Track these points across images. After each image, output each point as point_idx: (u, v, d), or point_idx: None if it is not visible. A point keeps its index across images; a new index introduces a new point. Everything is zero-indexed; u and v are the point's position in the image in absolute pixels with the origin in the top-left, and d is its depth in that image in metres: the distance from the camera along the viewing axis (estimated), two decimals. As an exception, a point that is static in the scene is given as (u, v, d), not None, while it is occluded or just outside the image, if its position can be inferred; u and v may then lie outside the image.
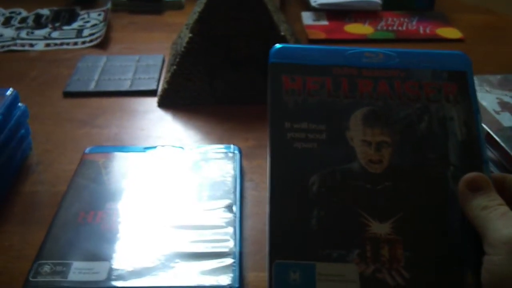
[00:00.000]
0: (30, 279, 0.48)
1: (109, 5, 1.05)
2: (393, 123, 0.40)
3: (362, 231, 0.38)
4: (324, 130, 0.40)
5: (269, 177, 0.39)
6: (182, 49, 0.78)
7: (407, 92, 0.41)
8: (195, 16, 0.79)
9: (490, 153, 0.63)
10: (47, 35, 0.99)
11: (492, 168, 0.61)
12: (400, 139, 0.40)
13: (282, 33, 0.78)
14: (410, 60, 0.42)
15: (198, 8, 0.81)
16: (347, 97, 0.41)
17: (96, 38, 0.97)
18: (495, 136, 0.63)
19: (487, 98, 0.71)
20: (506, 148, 0.61)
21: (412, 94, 0.41)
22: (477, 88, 0.73)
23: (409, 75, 0.42)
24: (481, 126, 0.40)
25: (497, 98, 0.71)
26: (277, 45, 0.43)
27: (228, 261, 0.49)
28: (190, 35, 0.78)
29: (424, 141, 0.40)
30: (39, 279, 0.48)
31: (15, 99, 0.63)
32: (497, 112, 0.67)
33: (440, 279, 0.36)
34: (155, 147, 0.65)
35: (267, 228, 0.38)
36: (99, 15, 1.06)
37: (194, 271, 0.48)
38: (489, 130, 0.64)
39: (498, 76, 0.76)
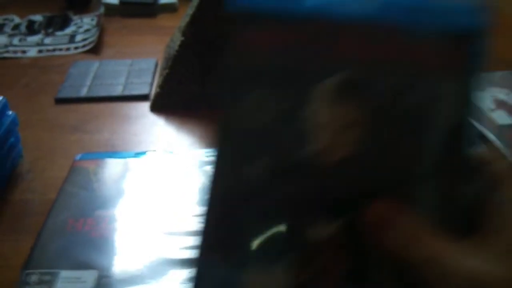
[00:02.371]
0: (18, 289, 0.47)
1: (102, 10, 1.05)
2: (367, 98, 0.31)
3: (302, 233, 0.31)
4: (280, 104, 0.30)
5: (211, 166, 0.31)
6: (175, 52, 0.77)
7: (393, 58, 0.31)
8: (187, 19, 0.79)
9: (485, 152, 0.62)
10: (39, 41, 0.98)
11: (487, 167, 0.61)
12: (371, 119, 0.31)
13: (274, 34, 0.77)
14: (407, 13, 0.31)
15: (190, 11, 0.80)
16: (317, 60, 0.31)
17: (89, 43, 0.96)
18: (489, 135, 0.62)
19: (482, 95, 0.70)
20: (500, 147, 0.60)
21: (399, 61, 0.31)
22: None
23: (400, 33, 0.31)
24: (476, 105, 0.31)
25: (492, 96, 0.70)
26: None
27: (219, 267, 0.49)
28: (182, 38, 0.77)
29: (401, 125, 0.31)
30: (27, 289, 0.47)
31: (4, 107, 0.63)
32: (492, 110, 0.66)
33: None
34: (146, 152, 0.65)
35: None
36: (92, 20, 1.06)
37: (185, 278, 0.48)
38: (482, 128, 0.63)
39: (494, 73, 0.76)
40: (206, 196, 0.30)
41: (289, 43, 0.31)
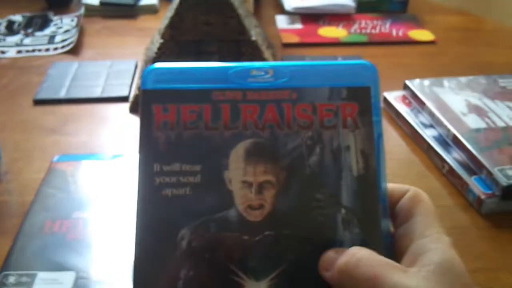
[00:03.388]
0: (-5, 291, 0.47)
1: (82, 10, 1.05)
2: (280, 158, 0.34)
3: None
4: (199, 172, 0.33)
5: (134, 233, 0.33)
6: (154, 54, 0.78)
7: (298, 118, 0.34)
8: (166, 22, 0.79)
9: (457, 155, 0.64)
10: (19, 42, 0.98)
11: (460, 170, 0.62)
12: (286, 177, 0.33)
13: (253, 38, 0.78)
14: (304, 76, 0.35)
15: (169, 13, 0.81)
16: (228, 128, 0.34)
17: (68, 44, 0.96)
18: (461, 138, 0.63)
19: (456, 100, 0.71)
20: (472, 150, 0.61)
21: (303, 120, 0.34)
22: (447, 89, 0.74)
23: (301, 95, 0.34)
24: (383, 155, 0.34)
25: (465, 100, 0.71)
26: (149, 67, 0.35)
27: (195, 268, 0.49)
28: (161, 40, 0.77)
29: (314, 179, 0.34)
30: (4, 290, 0.47)
31: (-19, 108, 0.63)
32: (464, 114, 0.68)
33: None
34: (123, 154, 0.65)
35: None
36: (72, 20, 1.06)
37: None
38: (455, 132, 0.64)
39: (468, 78, 0.77)
40: (133, 271, 0.32)
41: (199, 115, 0.34)
